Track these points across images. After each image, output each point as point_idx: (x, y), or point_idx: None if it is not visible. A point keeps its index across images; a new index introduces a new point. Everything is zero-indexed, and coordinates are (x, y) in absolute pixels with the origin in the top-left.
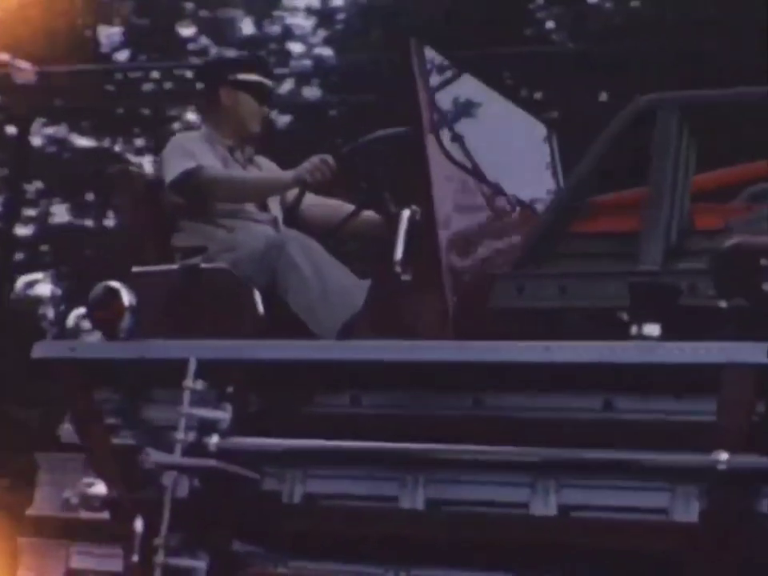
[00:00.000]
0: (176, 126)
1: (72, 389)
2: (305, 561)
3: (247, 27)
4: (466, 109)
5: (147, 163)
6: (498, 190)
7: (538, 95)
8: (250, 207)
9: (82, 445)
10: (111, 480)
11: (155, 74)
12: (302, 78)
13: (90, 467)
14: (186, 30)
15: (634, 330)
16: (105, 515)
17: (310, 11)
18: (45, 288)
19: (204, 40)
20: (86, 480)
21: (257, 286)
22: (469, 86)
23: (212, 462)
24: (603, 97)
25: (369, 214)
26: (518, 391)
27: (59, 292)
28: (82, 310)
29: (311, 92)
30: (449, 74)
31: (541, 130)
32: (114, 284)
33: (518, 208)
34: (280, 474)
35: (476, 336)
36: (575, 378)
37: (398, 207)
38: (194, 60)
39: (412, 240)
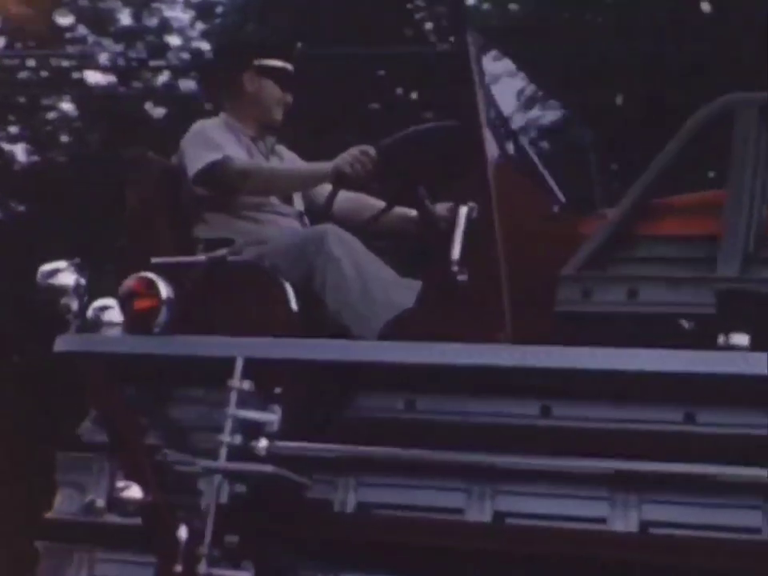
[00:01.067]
0: (51, 114)
1: (99, 385)
2: (357, 574)
3: (125, 18)
4: (519, 105)
5: (20, 152)
6: (551, 188)
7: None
8: (275, 200)
9: (111, 445)
10: (145, 483)
11: (31, 63)
12: (179, 70)
13: (121, 469)
14: (64, 19)
15: (721, 339)
16: (134, 520)
17: (188, 4)
18: (68, 277)
19: (82, 29)
20: (120, 483)
21: (289, 281)
22: (521, 82)
23: (267, 468)
24: None
25: (400, 209)
26: (589, 400)
27: (83, 282)
28: (103, 302)
29: (187, 84)
30: (502, 68)
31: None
32: (151, 275)
33: (571, 207)
34: (331, 482)
35: (535, 340)
36: (654, 388)
37: (432, 203)
38: (71, 49)
39: (469, 238)
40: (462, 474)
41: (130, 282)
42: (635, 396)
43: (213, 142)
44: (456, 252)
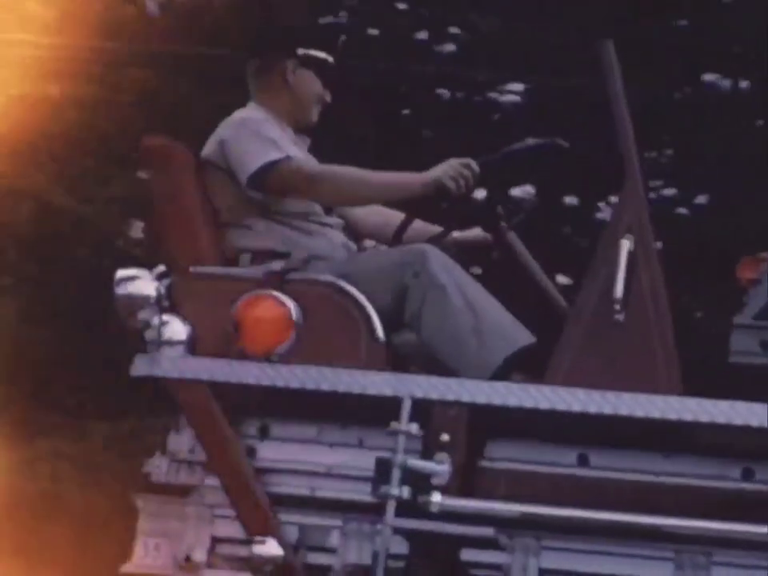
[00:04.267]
0: None
1: (204, 421)
2: None
3: None
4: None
5: None
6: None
7: None
8: (318, 209)
9: (224, 488)
10: (266, 536)
11: None
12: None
13: (240, 519)
14: None
15: None
16: None
17: None
18: (148, 286)
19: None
20: (258, 537)
21: (375, 306)
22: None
23: (451, 527)
24: None
25: (420, 224)
26: None
27: (163, 292)
28: (168, 317)
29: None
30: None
31: None
32: (280, 295)
33: None
34: (509, 545)
35: (708, 393)
36: None
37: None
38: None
39: (629, 274)
40: (658, 539)
41: (251, 300)
42: None
43: (268, 138)
44: (619, 289)
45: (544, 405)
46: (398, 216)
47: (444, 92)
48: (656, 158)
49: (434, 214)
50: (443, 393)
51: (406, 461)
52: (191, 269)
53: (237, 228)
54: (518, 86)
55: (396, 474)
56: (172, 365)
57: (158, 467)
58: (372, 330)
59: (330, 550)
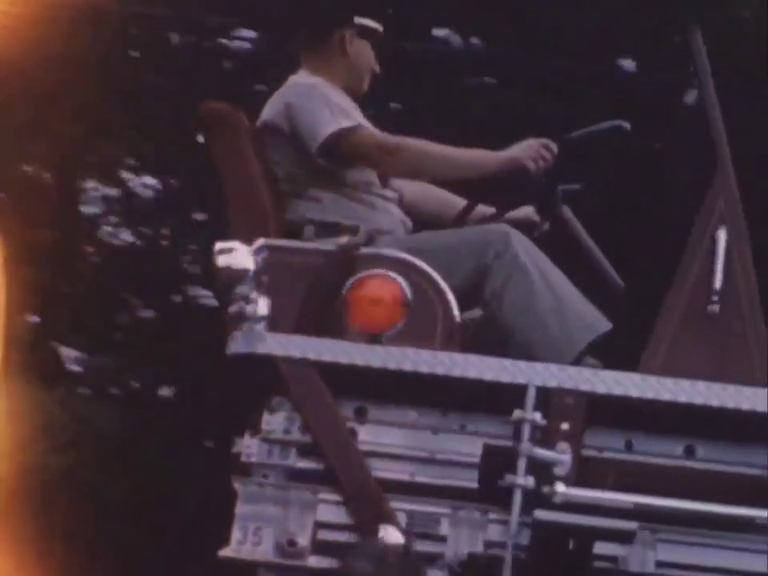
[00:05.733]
0: None
1: (313, 401)
2: None
3: None
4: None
5: None
6: None
7: None
8: (376, 180)
9: (332, 471)
10: (379, 524)
11: None
12: None
13: (349, 505)
14: None
15: None
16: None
17: None
18: (247, 260)
19: None
20: (384, 527)
21: (451, 286)
22: None
23: (586, 519)
24: None
25: (483, 208)
26: None
27: (261, 265)
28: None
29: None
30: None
31: None
32: (392, 274)
33: None
34: (626, 536)
35: None
36: None
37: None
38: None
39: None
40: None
41: (365, 280)
42: None
43: (338, 105)
44: (718, 280)
45: (666, 396)
46: (453, 198)
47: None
48: None
49: (486, 193)
50: (563, 381)
51: (532, 450)
52: (257, 241)
53: (300, 198)
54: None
55: (522, 464)
56: (277, 343)
57: (248, 447)
58: (448, 310)
59: (438, 538)
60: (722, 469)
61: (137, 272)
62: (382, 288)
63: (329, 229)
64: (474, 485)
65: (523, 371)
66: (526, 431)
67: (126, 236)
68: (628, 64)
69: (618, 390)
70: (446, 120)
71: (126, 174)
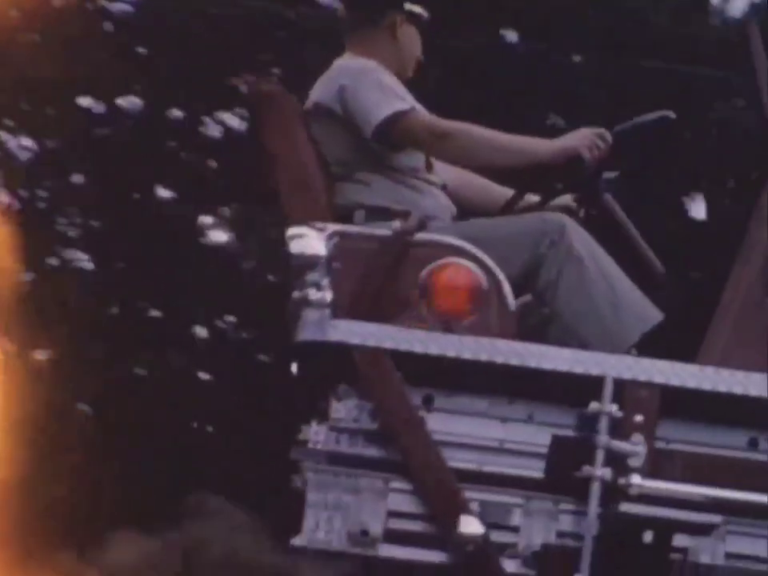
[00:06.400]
0: None
1: (388, 389)
2: None
3: None
4: None
5: None
6: None
7: None
8: (422, 165)
9: (406, 460)
10: (459, 513)
11: None
12: None
13: (423, 494)
14: None
15: None
16: (418, 555)
17: None
18: (318, 246)
19: None
20: (464, 516)
21: (506, 274)
22: None
23: (667, 512)
24: None
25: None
26: None
27: (326, 250)
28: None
29: None
30: None
31: None
32: (469, 264)
33: None
34: (706, 529)
35: None
36: None
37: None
38: None
39: None
40: None
41: (440, 269)
42: None
43: (391, 88)
44: None
45: (737, 389)
46: (492, 185)
47: None
48: None
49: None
50: (638, 373)
51: (610, 442)
52: (312, 225)
53: (350, 182)
54: None
55: (600, 456)
56: (351, 330)
57: (316, 434)
58: (503, 299)
59: (511, 528)
60: None
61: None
62: (463, 276)
63: (379, 213)
64: (542, 475)
65: (598, 363)
66: (604, 423)
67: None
68: None
69: (691, 383)
70: None
71: (3, 135)
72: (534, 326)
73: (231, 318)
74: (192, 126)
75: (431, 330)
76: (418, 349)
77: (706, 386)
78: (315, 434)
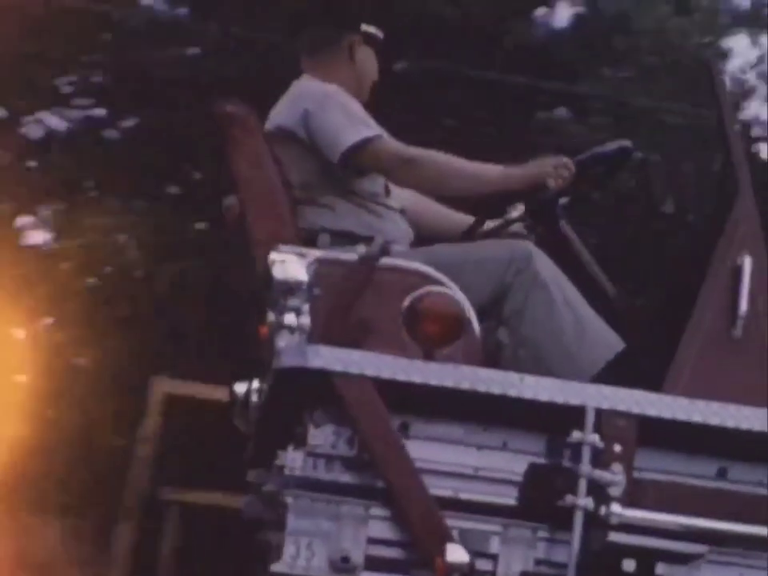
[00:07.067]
0: None
1: (371, 416)
2: None
3: None
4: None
5: None
6: None
7: None
8: (381, 190)
9: (388, 487)
10: (440, 540)
11: None
12: None
13: (406, 521)
14: None
15: None
16: None
17: None
18: (299, 271)
19: None
20: (449, 544)
21: (471, 300)
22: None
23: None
24: None
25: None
26: None
27: (308, 276)
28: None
29: None
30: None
31: None
32: (451, 293)
33: None
34: (680, 557)
35: None
36: None
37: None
38: None
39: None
40: None
41: (425, 297)
42: None
43: (355, 113)
44: (743, 306)
45: (714, 421)
46: (447, 210)
47: None
48: None
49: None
50: (615, 403)
51: (592, 471)
52: (276, 248)
53: (313, 206)
54: None
55: (583, 485)
56: (334, 357)
57: (292, 460)
58: (468, 326)
59: (489, 556)
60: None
61: None
62: (447, 304)
63: (344, 238)
64: (519, 502)
65: (578, 392)
66: (587, 453)
67: None
68: None
69: (667, 414)
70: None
71: None
72: (490, 352)
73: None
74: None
75: (411, 358)
76: (401, 377)
77: (681, 416)
78: (292, 459)
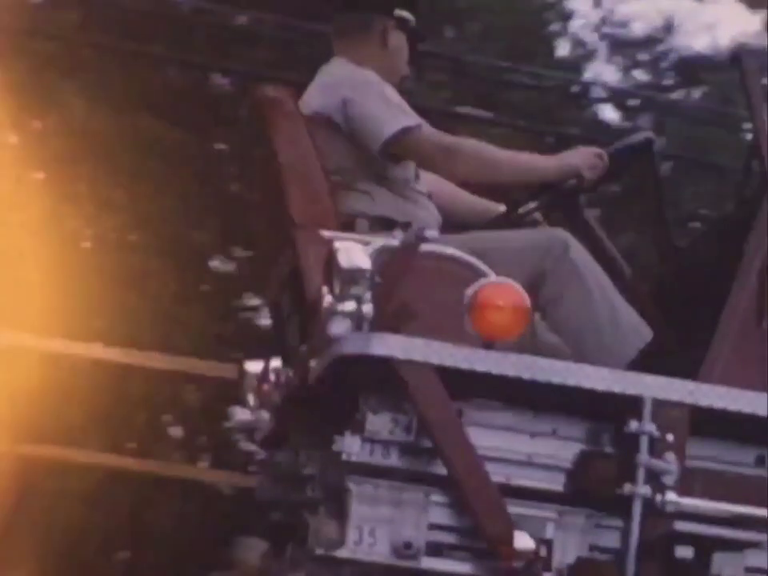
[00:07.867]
0: None
1: (434, 404)
2: None
3: None
4: None
5: None
6: None
7: None
8: (413, 175)
9: (451, 474)
10: (504, 527)
11: None
12: None
13: (470, 509)
14: None
15: None
16: (460, 567)
17: None
18: (362, 259)
19: None
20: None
21: None
22: None
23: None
24: None
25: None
26: None
27: (369, 264)
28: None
29: None
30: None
31: None
32: (516, 286)
33: None
34: (736, 544)
35: None
36: None
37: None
38: None
39: None
40: None
41: (489, 289)
42: None
43: (394, 102)
44: None
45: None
46: (469, 196)
47: None
48: None
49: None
50: (670, 394)
51: (650, 461)
52: (322, 233)
53: (351, 191)
54: None
55: (641, 474)
56: (398, 345)
57: (349, 446)
58: (531, 317)
59: (544, 542)
60: None
61: None
62: (511, 295)
63: (382, 223)
64: (571, 489)
65: (635, 383)
66: (644, 442)
67: None
68: None
69: (719, 404)
70: None
71: None
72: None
73: None
74: None
75: (474, 347)
76: (464, 365)
77: (732, 407)
78: (349, 445)
